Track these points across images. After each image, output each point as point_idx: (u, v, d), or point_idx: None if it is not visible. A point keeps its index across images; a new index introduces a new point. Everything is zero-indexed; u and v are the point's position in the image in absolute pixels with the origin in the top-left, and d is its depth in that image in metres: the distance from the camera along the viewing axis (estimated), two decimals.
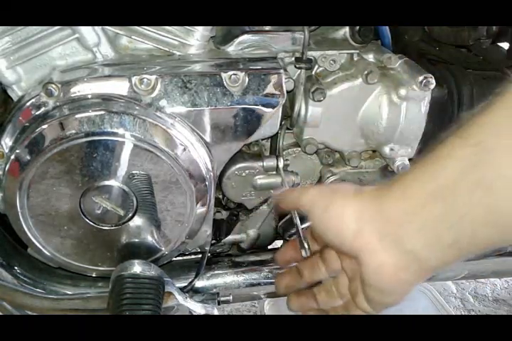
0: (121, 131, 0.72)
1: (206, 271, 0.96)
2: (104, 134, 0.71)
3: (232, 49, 0.86)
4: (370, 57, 0.90)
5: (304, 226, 0.86)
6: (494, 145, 0.43)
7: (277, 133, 0.86)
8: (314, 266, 0.65)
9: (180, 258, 0.96)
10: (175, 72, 0.77)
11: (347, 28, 0.91)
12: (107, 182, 0.74)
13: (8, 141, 0.76)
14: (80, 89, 0.74)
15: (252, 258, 1.01)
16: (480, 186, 0.43)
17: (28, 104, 0.75)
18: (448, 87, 0.91)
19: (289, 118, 0.89)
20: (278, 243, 1.10)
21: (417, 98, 0.85)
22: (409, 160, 0.90)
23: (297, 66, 0.84)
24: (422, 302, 1.75)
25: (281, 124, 0.84)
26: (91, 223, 0.77)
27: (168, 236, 0.81)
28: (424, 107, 0.86)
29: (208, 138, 0.79)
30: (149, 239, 0.81)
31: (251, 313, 1.77)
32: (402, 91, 0.84)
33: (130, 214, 0.78)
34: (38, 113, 0.75)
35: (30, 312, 0.91)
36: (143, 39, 0.81)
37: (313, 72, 0.89)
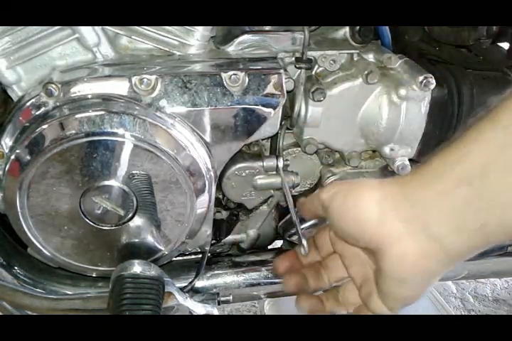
0: (121, 131, 0.72)
1: (206, 271, 0.96)
2: (104, 134, 0.71)
3: (232, 49, 0.86)
4: (370, 57, 0.90)
5: (304, 226, 0.86)
6: None
7: (277, 133, 0.86)
8: (318, 274, 0.65)
9: (180, 258, 0.96)
10: (175, 72, 0.77)
11: (347, 28, 0.91)
12: (107, 182, 0.74)
13: (8, 141, 0.76)
14: (80, 89, 0.74)
15: (252, 258, 1.01)
16: (510, 168, 0.43)
17: (28, 104, 0.75)
18: (448, 87, 0.91)
19: (289, 118, 0.89)
20: (278, 243, 1.10)
21: (417, 98, 0.85)
22: (410, 160, 0.90)
23: (297, 66, 0.84)
24: (422, 302, 1.75)
25: (281, 124, 0.84)
26: (91, 223, 0.77)
27: (168, 236, 0.81)
28: (424, 107, 0.86)
29: (207, 138, 0.79)
30: (149, 239, 0.81)
31: (251, 313, 1.77)
32: (402, 92, 0.84)
33: (130, 214, 0.78)
34: (38, 113, 0.75)
35: (30, 312, 0.91)
36: (143, 39, 0.81)
37: (313, 72, 0.89)
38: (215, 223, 0.88)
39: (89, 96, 0.75)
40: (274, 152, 0.92)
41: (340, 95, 0.86)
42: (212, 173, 0.80)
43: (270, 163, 0.88)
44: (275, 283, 0.98)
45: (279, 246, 1.11)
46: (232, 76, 0.77)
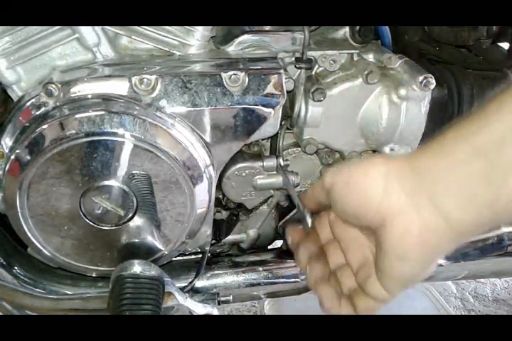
0: (121, 131, 0.72)
1: (206, 271, 0.96)
2: (104, 134, 0.71)
3: (232, 49, 0.86)
4: (370, 57, 0.90)
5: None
6: None
7: (277, 133, 0.86)
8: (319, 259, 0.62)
9: (180, 258, 0.96)
10: (175, 72, 0.77)
11: (347, 28, 0.91)
12: (107, 182, 0.74)
13: (8, 141, 0.76)
14: (79, 89, 0.74)
15: (252, 258, 1.01)
16: None
17: (28, 104, 0.75)
18: (448, 87, 0.91)
19: (289, 118, 0.89)
20: (278, 243, 1.10)
21: (417, 98, 0.85)
22: None
23: (297, 66, 0.84)
24: (422, 302, 1.75)
25: (281, 124, 0.84)
26: (91, 223, 0.77)
27: (168, 236, 0.81)
28: (424, 107, 0.86)
29: (207, 138, 0.79)
30: (149, 239, 0.81)
31: (251, 313, 1.77)
32: (402, 92, 0.84)
33: (130, 214, 0.78)
34: (38, 113, 0.75)
35: (30, 312, 0.91)
36: (143, 39, 0.81)
37: (313, 72, 0.89)
38: (215, 223, 0.88)
39: (89, 96, 0.75)
40: (274, 152, 0.92)
41: (340, 95, 0.86)
42: (212, 173, 0.80)
43: (270, 163, 0.88)
44: (275, 283, 0.98)
45: (279, 246, 1.11)
46: (232, 76, 0.77)
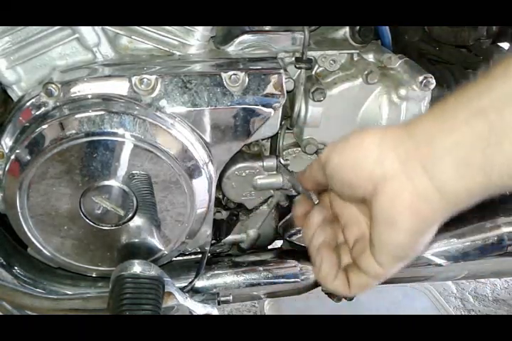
0: (121, 131, 0.72)
1: (206, 271, 0.96)
2: (104, 134, 0.71)
3: (232, 49, 0.86)
4: (370, 57, 0.90)
5: None
6: None
7: (277, 133, 0.86)
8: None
9: (180, 258, 0.96)
10: (175, 72, 0.77)
11: (347, 28, 0.91)
12: (107, 182, 0.74)
13: (8, 141, 0.76)
14: (79, 89, 0.74)
15: (252, 258, 1.00)
16: None
17: (28, 104, 0.75)
18: (448, 87, 0.91)
19: (289, 118, 0.89)
20: (278, 243, 1.10)
21: (417, 98, 0.85)
22: None
23: (297, 66, 0.84)
24: (422, 302, 1.75)
25: (281, 124, 0.84)
26: (91, 223, 0.77)
27: (168, 236, 0.81)
28: (424, 107, 0.86)
29: (207, 138, 0.79)
30: (149, 239, 0.81)
31: (251, 313, 1.77)
32: (402, 92, 0.84)
33: (130, 214, 0.78)
34: (38, 113, 0.75)
35: (30, 312, 0.91)
36: (143, 39, 0.81)
37: (313, 72, 0.89)
38: (215, 223, 0.88)
39: (89, 96, 0.75)
40: (274, 152, 0.92)
41: (340, 95, 0.86)
42: (212, 173, 0.80)
43: (270, 163, 0.88)
44: (275, 283, 0.98)
45: (279, 246, 1.11)
46: (232, 76, 0.77)
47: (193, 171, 0.76)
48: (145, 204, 0.77)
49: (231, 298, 0.95)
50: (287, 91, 0.80)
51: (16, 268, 0.90)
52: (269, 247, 1.08)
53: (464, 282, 1.98)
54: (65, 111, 0.73)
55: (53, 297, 0.89)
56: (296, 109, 0.86)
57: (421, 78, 0.83)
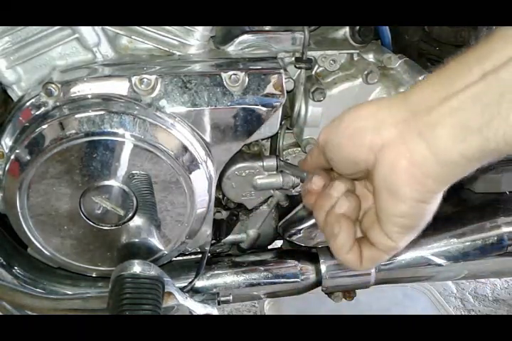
0: (121, 131, 0.72)
1: (206, 271, 0.96)
2: (104, 134, 0.71)
3: (232, 49, 0.86)
4: (370, 57, 0.90)
5: (304, 226, 0.86)
6: None
7: (277, 133, 0.86)
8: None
9: (180, 258, 0.96)
10: (175, 72, 0.77)
11: (347, 28, 0.91)
12: (106, 182, 0.74)
13: (8, 141, 0.76)
14: (79, 89, 0.74)
15: (252, 258, 1.01)
16: None
17: (28, 104, 0.75)
18: None
19: (289, 118, 0.89)
20: (278, 243, 1.10)
21: None
22: None
23: (297, 66, 0.84)
24: (422, 302, 1.75)
25: (281, 124, 0.84)
26: (91, 223, 0.77)
27: (168, 236, 0.81)
28: None
29: (207, 138, 0.79)
30: (149, 239, 0.81)
31: (251, 313, 1.77)
32: (402, 91, 0.84)
33: (130, 214, 0.78)
34: (38, 113, 0.75)
35: (30, 312, 0.91)
36: (143, 39, 0.81)
37: (313, 72, 0.89)
38: (215, 223, 0.88)
39: (89, 96, 0.75)
40: (274, 152, 0.92)
41: (340, 95, 0.86)
42: (212, 173, 0.80)
43: (270, 163, 0.88)
44: (275, 283, 0.98)
45: (279, 246, 1.11)
46: (232, 76, 0.77)
47: (193, 171, 0.76)
48: (145, 204, 0.77)
49: (231, 297, 0.95)
50: (287, 91, 0.80)
51: (16, 268, 0.90)
52: (269, 247, 1.08)
53: (464, 282, 1.98)
54: (64, 111, 0.73)
55: (53, 297, 0.89)
56: (296, 108, 0.86)
57: (421, 78, 0.83)
